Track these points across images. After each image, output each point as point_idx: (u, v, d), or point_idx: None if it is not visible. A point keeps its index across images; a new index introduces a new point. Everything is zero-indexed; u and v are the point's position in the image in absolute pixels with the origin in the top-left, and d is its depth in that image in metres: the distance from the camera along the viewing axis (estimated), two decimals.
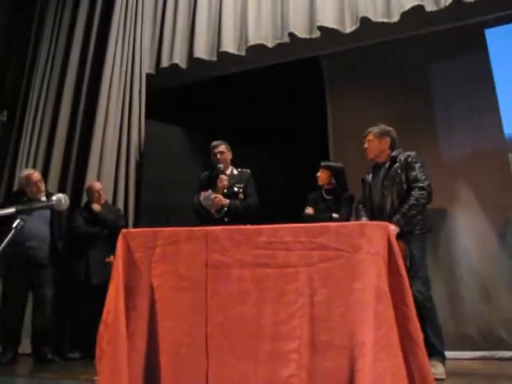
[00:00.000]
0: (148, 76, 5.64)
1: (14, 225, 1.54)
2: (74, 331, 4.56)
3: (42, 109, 5.71)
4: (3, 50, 6.18)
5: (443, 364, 3.16)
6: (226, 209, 3.85)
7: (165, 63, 5.52)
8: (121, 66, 5.57)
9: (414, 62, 5.19)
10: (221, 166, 3.98)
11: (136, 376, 2.18)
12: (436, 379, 2.86)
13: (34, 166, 5.35)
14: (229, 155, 4.11)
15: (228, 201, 3.88)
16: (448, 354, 3.31)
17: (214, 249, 2.25)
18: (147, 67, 5.67)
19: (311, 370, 2.06)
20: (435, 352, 3.10)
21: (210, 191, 3.90)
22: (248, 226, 2.34)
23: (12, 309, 4.23)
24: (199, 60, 5.29)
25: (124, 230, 2.40)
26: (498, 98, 4.80)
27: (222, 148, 4.07)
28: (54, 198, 1.67)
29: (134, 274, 2.30)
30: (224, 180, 3.90)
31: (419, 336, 2.08)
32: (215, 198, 3.85)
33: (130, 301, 2.25)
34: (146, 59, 5.66)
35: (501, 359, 4.03)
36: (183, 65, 5.47)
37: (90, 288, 4.37)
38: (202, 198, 3.90)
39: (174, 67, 5.46)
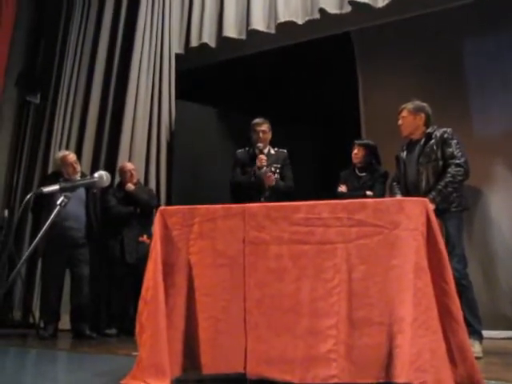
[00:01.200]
0: (177, 56, 5.64)
1: (59, 202, 1.57)
2: (110, 308, 4.67)
3: (74, 91, 5.79)
4: (34, 32, 6.25)
5: (480, 342, 3.14)
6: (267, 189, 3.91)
7: (194, 43, 5.51)
8: (150, 46, 5.59)
9: (447, 36, 5.04)
10: (260, 145, 4.01)
11: (176, 351, 2.22)
12: None
13: (68, 148, 5.45)
14: (269, 135, 4.14)
15: (274, 182, 3.93)
16: (483, 333, 3.27)
17: (252, 226, 2.25)
18: (176, 47, 5.67)
19: (349, 345, 2.07)
20: (472, 330, 3.07)
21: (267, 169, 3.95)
22: (284, 203, 2.33)
23: (51, 286, 4.36)
24: (228, 39, 5.26)
25: (162, 208, 2.43)
26: None
27: (264, 127, 4.10)
28: (96, 174, 1.70)
29: (172, 251, 2.32)
30: (263, 160, 3.93)
31: (459, 312, 2.06)
32: (269, 176, 3.90)
33: (168, 278, 2.28)
34: (175, 39, 5.66)
35: None
36: (212, 44, 5.43)
37: (125, 266, 4.47)
38: (260, 164, 3.91)
39: (204, 46, 5.43)
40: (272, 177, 3.93)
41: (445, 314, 2.04)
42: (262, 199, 3.81)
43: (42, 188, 1.59)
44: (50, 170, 5.41)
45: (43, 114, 5.94)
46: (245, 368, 2.17)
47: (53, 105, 5.86)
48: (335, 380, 2.04)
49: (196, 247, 2.32)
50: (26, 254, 1.59)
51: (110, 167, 5.17)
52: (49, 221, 1.51)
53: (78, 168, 4.52)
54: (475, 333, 3.11)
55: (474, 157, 3.76)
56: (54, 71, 6.00)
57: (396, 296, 2.07)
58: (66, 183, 1.63)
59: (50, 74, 5.98)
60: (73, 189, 1.59)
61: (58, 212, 1.53)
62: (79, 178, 4.40)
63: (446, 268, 2.09)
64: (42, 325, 4.45)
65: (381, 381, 2.03)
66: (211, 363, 2.22)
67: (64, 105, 5.79)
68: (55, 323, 4.37)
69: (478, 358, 2.90)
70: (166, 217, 2.36)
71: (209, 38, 5.43)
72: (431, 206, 2.95)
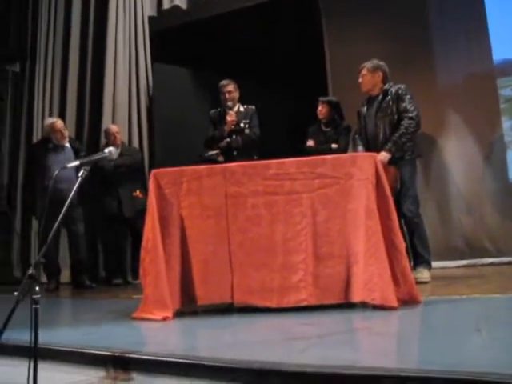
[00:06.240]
0: (150, 18, 5.85)
1: (80, 174, 1.99)
2: (112, 261, 5.08)
3: (52, 57, 5.97)
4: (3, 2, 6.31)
5: (429, 270, 3.66)
6: (234, 137, 4.33)
7: (166, 5, 5.72)
8: (124, 9, 5.76)
9: None
10: (229, 103, 4.39)
11: (175, 289, 2.71)
12: (422, 282, 3.41)
13: (50, 114, 5.69)
14: (236, 94, 4.48)
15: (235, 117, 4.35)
16: (437, 263, 3.80)
17: (232, 182, 2.71)
18: (149, 10, 5.87)
19: (316, 275, 2.58)
20: (422, 260, 3.60)
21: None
22: (258, 162, 2.77)
23: (51, 244, 4.75)
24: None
25: (154, 171, 2.85)
26: (488, 24, 4.96)
27: (230, 87, 4.44)
28: (106, 150, 2.11)
29: (166, 206, 2.76)
30: (232, 115, 4.33)
31: (401, 244, 2.59)
32: (231, 114, 4.31)
33: (164, 229, 2.73)
34: (148, 2, 5.85)
35: (482, 265, 4.54)
36: (183, 5, 5.66)
37: (123, 221, 4.88)
38: (231, 119, 4.32)
39: (175, 8, 5.66)
40: (233, 115, 4.33)
41: (390, 246, 2.55)
42: (235, 153, 4.23)
43: (66, 164, 2.02)
44: (35, 136, 5.70)
45: (23, 82, 6.14)
46: (232, 298, 2.68)
47: (31, 73, 6.05)
48: (305, 302, 2.56)
49: (186, 202, 2.76)
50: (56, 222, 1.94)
51: (95, 131, 5.49)
52: (74, 190, 1.92)
53: (66, 133, 4.84)
54: (425, 262, 3.63)
55: (431, 105, 4.18)
56: (29, 39, 6.14)
57: (352, 234, 2.57)
58: (83, 159, 2.05)
59: (25, 43, 6.12)
60: (90, 163, 2.00)
61: (80, 183, 1.95)
62: (67, 144, 4.77)
63: (391, 209, 2.59)
64: (46, 279, 4.87)
65: (341, 301, 2.56)
66: (204, 296, 2.72)
67: (43, 72, 5.96)
68: (57, 276, 4.81)
69: (426, 283, 3.47)
70: (159, 178, 2.79)
71: (180, 0, 5.65)
72: (385, 156, 3.49)
